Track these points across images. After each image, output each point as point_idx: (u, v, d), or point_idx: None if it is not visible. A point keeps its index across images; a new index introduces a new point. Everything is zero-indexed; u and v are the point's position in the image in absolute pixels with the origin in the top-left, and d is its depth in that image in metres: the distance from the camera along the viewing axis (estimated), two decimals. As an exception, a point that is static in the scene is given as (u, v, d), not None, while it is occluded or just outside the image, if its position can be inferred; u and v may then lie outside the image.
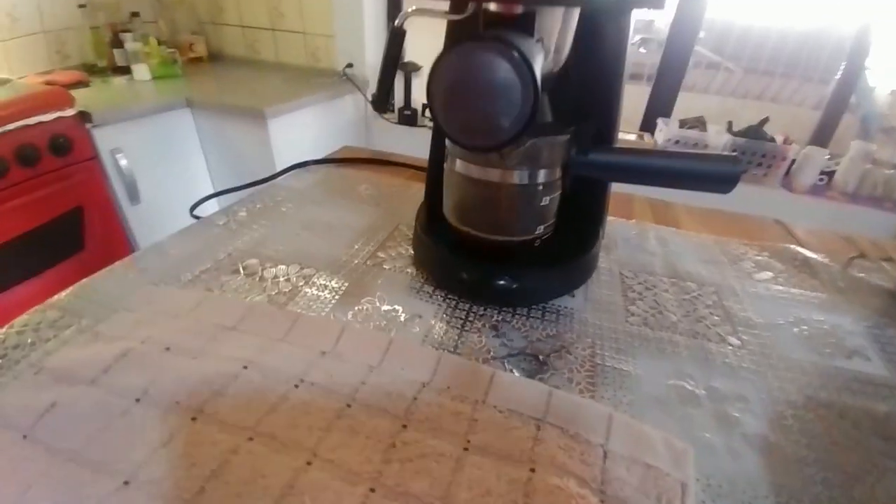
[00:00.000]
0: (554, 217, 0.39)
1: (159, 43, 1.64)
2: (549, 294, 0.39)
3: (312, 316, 0.35)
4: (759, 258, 0.50)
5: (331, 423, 0.27)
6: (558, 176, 0.37)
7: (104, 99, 1.34)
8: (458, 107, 0.16)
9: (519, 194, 0.36)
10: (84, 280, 0.39)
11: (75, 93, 1.32)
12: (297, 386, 0.29)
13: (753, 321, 0.40)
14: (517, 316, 0.38)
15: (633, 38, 2.59)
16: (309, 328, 0.34)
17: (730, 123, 1.57)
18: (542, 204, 0.36)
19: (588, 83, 0.36)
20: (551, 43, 0.30)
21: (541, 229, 0.38)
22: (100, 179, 1.30)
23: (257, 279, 0.40)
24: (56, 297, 0.37)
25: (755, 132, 1.48)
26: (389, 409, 0.28)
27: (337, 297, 0.38)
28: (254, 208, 0.53)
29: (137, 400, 0.28)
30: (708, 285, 0.44)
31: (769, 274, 0.47)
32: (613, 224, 0.55)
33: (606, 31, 0.35)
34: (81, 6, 1.53)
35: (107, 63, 1.64)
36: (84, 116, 1.22)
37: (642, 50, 2.45)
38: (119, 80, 1.56)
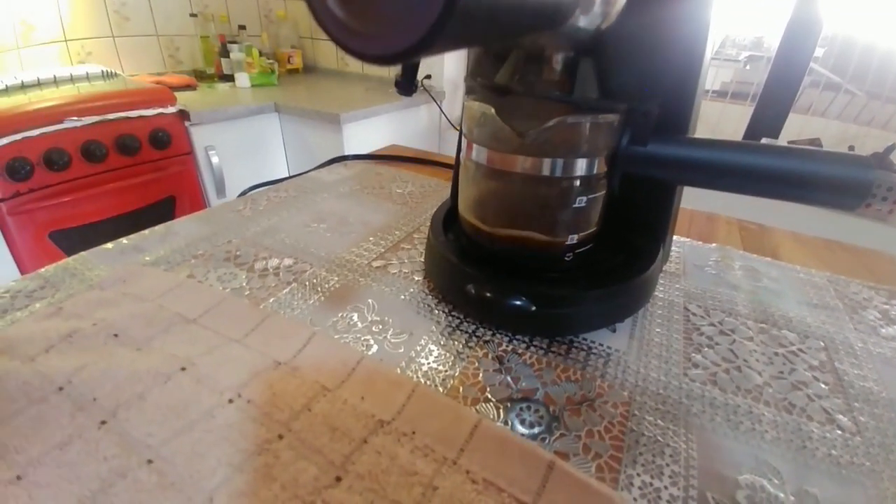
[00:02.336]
0: (595, 225, 0.30)
1: (260, 54, 1.77)
2: (580, 325, 0.30)
3: (283, 318, 0.30)
4: (888, 307, 0.37)
5: (247, 458, 0.20)
6: (603, 171, 0.28)
7: (206, 101, 1.45)
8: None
9: (545, 191, 0.28)
10: (81, 253, 0.37)
11: (182, 95, 1.45)
12: (231, 401, 0.23)
13: (875, 395, 0.28)
14: (533, 348, 0.29)
15: (739, 54, 2.33)
16: (273, 331, 0.28)
17: (851, 148, 1.33)
18: (578, 206, 0.28)
19: (653, 48, 0.28)
20: (596, -16, 0.22)
21: (574, 239, 0.29)
22: (193, 173, 1.41)
23: (245, 269, 0.36)
24: (45, 268, 0.35)
25: (880, 160, 1.22)
26: (326, 450, 0.21)
27: (323, 298, 0.33)
28: (276, 197, 0.49)
29: (60, 388, 0.24)
30: (814, 338, 0.32)
31: (903, 330, 0.34)
32: (686, 246, 0.44)
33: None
34: (193, 15, 1.68)
35: (214, 70, 1.80)
36: (183, 115, 1.33)
37: (748, 68, 2.19)
38: (223, 86, 1.69)
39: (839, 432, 0.25)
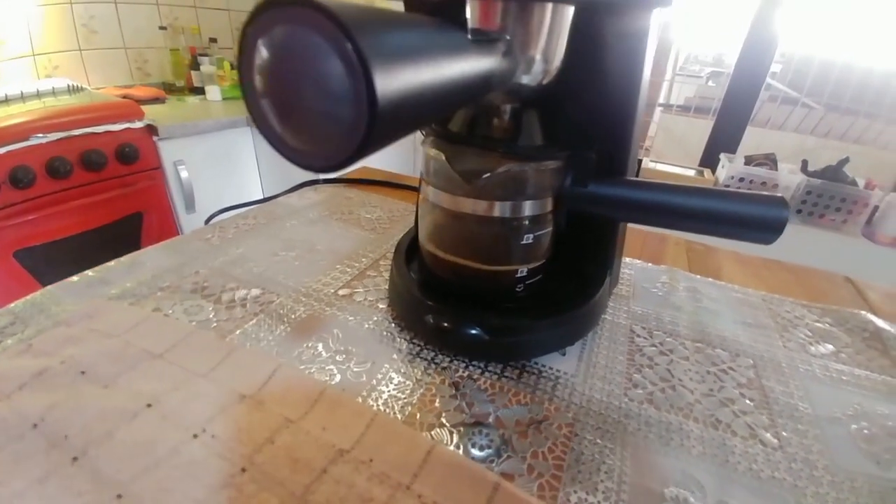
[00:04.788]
0: (544, 258, 0.33)
1: (232, 67, 1.77)
2: (531, 351, 0.32)
3: (249, 351, 0.31)
4: (819, 325, 0.40)
5: (211, 493, 0.22)
6: (549, 209, 0.31)
7: (175, 115, 1.44)
8: (280, 97, 0.12)
9: (495, 229, 0.30)
10: (48, 287, 0.38)
11: (151, 108, 1.43)
12: (195, 436, 0.25)
13: (800, 412, 0.31)
14: (487, 373, 0.31)
15: (701, 71, 2.45)
16: (239, 365, 0.30)
17: (804, 162, 1.41)
18: (526, 242, 0.30)
19: (591, 100, 0.30)
20: (533, 49, 0.25)
21: (524, 272, 0.31)
22: (161, 188, 1.39)
23: (212, 301, 0.37)
24: (14, 303, 0.36)
25: (834, 173, 1.31)
26: (287, 482, 0.22)
27: (289, 329, 0.34)
28: (245, 224, 0.50)
29: (35, 426, 0.25)
30: (745, 356, 0.35)
31: (829, 347, 0.37)
32: (636, 267, 0.47)
33: (613, 36, 0.29)
34: (162, 28, 1.67)
35: (185, 83, 1.78)
36: (151, 129, 1.31)
37: (711, 84, 2.30)
38: (192, 99, 1.68)
39: (761, 447, 0.28)
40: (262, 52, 0.11)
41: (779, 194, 0.29)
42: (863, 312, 0.41)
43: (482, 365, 0.32)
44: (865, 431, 0.29)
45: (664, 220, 0.30)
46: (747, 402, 0.31)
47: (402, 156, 1.84)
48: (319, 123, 0.11)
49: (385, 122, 0.11)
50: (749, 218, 0.29)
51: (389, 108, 0.11)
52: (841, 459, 0.27)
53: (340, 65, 0.10)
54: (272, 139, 0.13)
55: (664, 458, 0.26)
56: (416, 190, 0.63)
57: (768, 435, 0.29)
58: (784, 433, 0.29)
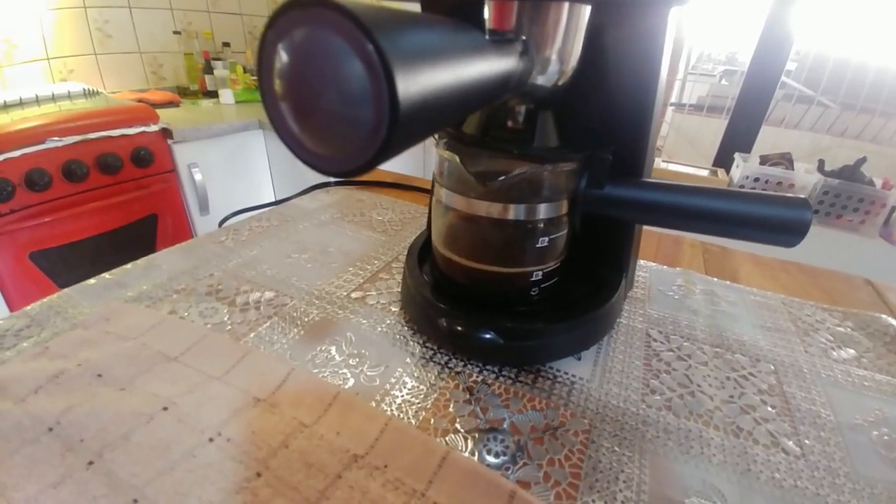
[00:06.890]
0: (559, 261, 0.32)
1: (245, 71, 1.79)
2: (546, 355, 0.32)
3: (263, 354, 0.31)
4: (841, 329, 0.39)
5: (226, 497, 0.22)
6: (564, 212, 0.30)
7: (189, 118, 1.46)
8: (300, 100, 0.11)
9: (509, 232, 0.30)
10: (65, 289, 0.38)
11: (165, 112, 1.45)
12: (211, 440, 0.25)
13: (823, 418, 0.30)
14: (501, 378, 0.31)
15: (714, 69, 2.42)
16: (253, 368, 0.30)
17: (821, 162, 1.38)
18: (541, 245, 0.30)
19: (607, 101, 0.30)
20: (549, 49, 0.25)
21: (538, 275, 0.31)
22: (176, 190, 1.41)
23: (227, 304, 0.37)
24: (31, 305, 0.36)
25: (851, 173, 1.29)
26: (302, 487, 0.22)
27: (302, 332, 0.34)
28: (258, 227, 0.51)
29: (50, 429, 0.25)
30: (765, 361, 0.35)
31: (851, 352, 0.36)
32: (651, 270, 0.46)
33: (629, 35, 0.28)
34: (176, 33, 1.69)
35: (199, 87, 1.80)
36: (166, 133, 1.33)
37: (724, 82, 2.27)
38: (206, 103, 1.70)
39: (784, 455, 0.27)
40: (282, 56, 0.11)
41: (801, 195, 0.29)
42: (884, 316, 0.40)
43: (496, 369, 0.32)
44: (886, 437, 0.29)
45: (683, 222, 0.29)
46: (769, 408, 0.30)
47: (412, 158, 1.84)
48: (339, 127, 0.11)
49: (406, 124, 0.11)
50: (771, 220, 0.28)
51: (411, 109, 0.11)
52: (861, 466, 0.27)
53: (361, 66, 0.10)
54: (291, 143, 0.12)
55: (684, 466, 0.26)
56: (427, 192, 0.63)
57: (791, 443, 0.28)
58: (807, 441, 0.28)
